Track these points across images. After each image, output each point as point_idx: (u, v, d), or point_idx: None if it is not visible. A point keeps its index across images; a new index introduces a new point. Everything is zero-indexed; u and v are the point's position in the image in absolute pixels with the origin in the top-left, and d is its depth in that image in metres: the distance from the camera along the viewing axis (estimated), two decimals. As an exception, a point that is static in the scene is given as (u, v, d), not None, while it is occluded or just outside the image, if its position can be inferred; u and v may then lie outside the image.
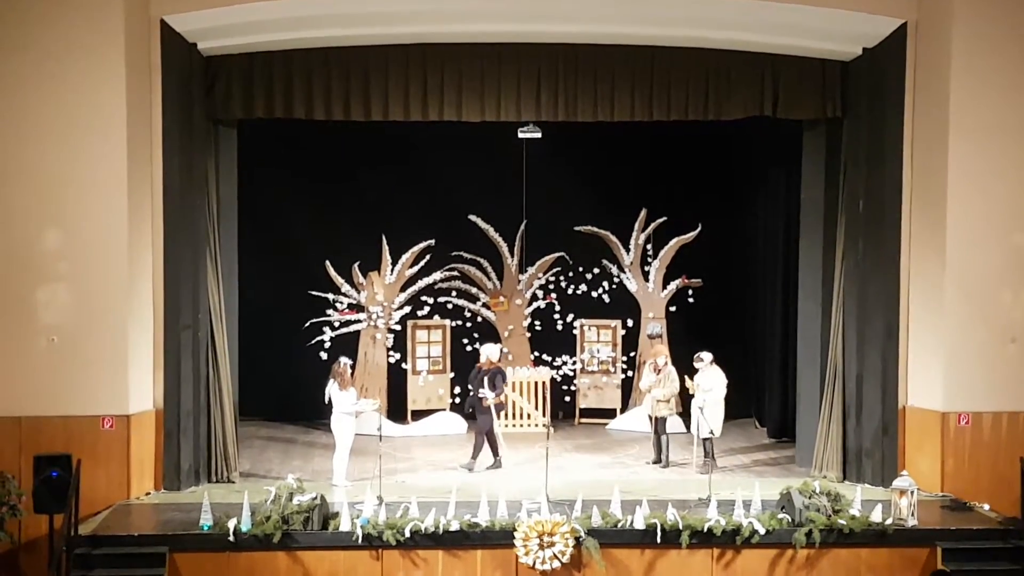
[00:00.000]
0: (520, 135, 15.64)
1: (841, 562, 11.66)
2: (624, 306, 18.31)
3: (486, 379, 14.67)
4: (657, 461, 14.92)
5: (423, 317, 17.98)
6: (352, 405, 13.70)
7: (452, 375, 17.74)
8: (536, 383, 17.53)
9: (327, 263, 17.54)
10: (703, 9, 13.31)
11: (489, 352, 15.03)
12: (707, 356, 14.69)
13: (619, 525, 11.56)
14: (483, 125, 14.18)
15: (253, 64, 13.53)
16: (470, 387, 14.95)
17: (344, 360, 13.96)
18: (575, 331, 18.32)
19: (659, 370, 14.90)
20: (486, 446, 14.62)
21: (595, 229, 18.22)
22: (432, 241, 17.72)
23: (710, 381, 14.55)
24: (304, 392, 16.06)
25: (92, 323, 12.53)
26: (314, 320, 17.58)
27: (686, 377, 14.72)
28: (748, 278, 18.14)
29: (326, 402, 13.79)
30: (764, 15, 13.35)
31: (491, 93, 13.78)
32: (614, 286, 18.41)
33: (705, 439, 14.43)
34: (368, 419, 14.28)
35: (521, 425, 17.41)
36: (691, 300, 18.26)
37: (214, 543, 11.32)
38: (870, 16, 13.34)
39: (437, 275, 17.91)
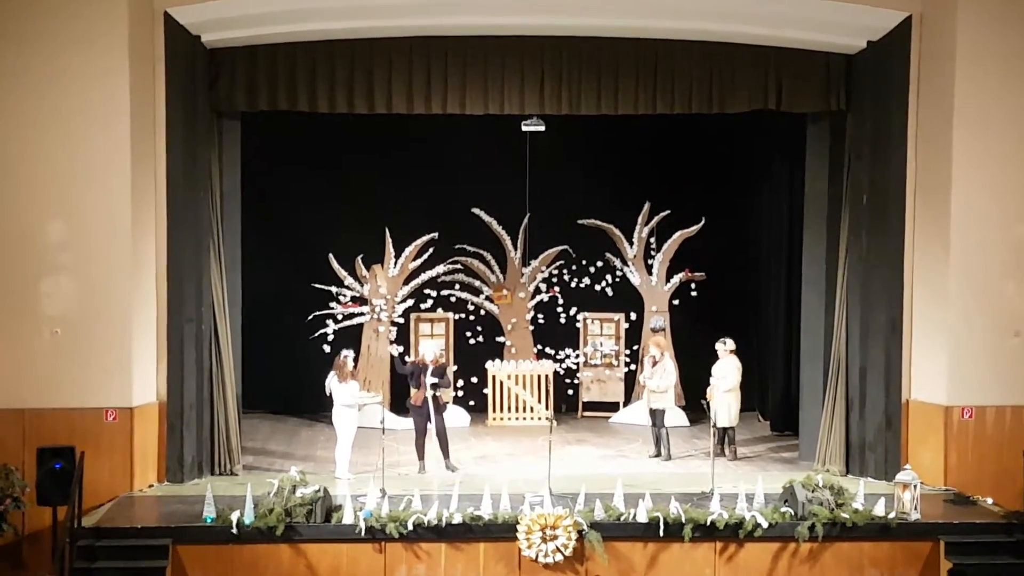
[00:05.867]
0: (524, 128, 15.61)
1: (844, 556, 11.63)
2: (627, 299, 18.32)
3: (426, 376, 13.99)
4: (657, 454, 14.92)
5: (426, 310, 18.00)
6: (352, 398, 13.69)
7: (455, 368, 17.73)
8: (539, 376, 17.53)
9: (330, 256, 17.55)
10: (707, 1, 13.29)
11: (430, 349, 14.43)
12: (728, 343, 14.75)
13: (622, 518, 11.54)
14: (486, 118, 14.14)
15: (257, 56, 13.49)
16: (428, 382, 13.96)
17: (345, 353, 13.94)
18: (578, 324, 18.32)
19: (656, 362, 14.92)
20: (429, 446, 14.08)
21: (598, 222, 18.22)
22: (435, 234, 17.72)
23: (723, 370, 14.63)
24: (307, 385, 15.98)
25: (95, 315, 12.53)
26: (317, 313, 17.59)
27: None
28: (751, 272, 18.12)
29: (327, 395, 13.80)
30: (768, 8, 13.33)
31: (494, 86, 13.72)
32: (617, 279, 18.40)
33: (724, 428, 14.48)
34: (371, 412, 14.24)
35: (524, 418, 17.43)
36: (694, 294, 18.26)
37: (217, 535, 11.32)
38: (874, 9, 13.33)
39: (440, 268, 17.92)
